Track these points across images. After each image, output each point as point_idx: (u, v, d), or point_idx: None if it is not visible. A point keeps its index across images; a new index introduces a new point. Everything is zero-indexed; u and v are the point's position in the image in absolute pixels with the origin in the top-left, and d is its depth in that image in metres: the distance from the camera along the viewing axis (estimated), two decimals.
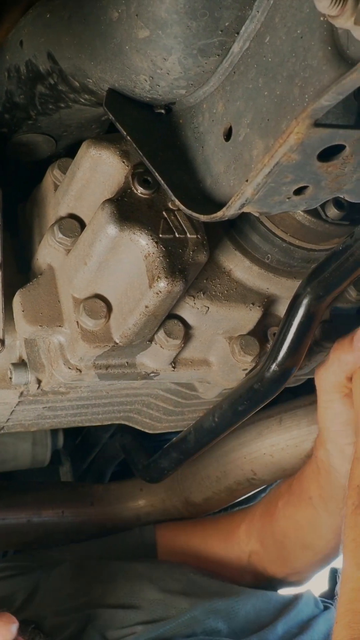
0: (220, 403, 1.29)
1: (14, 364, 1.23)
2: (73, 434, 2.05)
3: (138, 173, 1.05)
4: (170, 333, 1.15)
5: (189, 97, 0.99)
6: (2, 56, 1.18)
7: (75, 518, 1.86)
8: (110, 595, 1.54)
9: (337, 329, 1.28)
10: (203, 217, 0.96)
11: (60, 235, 1.13)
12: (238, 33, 0.89)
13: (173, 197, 0.97)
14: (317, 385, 1.32)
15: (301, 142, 0.80)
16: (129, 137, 0.99)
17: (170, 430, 1.52)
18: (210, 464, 1.76)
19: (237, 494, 1.80)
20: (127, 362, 1.18)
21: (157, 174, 0.98)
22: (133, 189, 1.05)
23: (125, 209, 1.04)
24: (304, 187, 0.88)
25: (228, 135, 0.94)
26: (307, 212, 1.08)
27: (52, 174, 1.20)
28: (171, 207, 1.05)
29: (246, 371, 1.22)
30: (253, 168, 0.87)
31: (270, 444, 1.68)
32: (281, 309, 1.21)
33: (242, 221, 1.13)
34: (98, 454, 2.07)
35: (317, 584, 1.79)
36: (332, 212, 1.07)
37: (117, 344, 1.12)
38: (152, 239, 1.03)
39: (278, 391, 1.19)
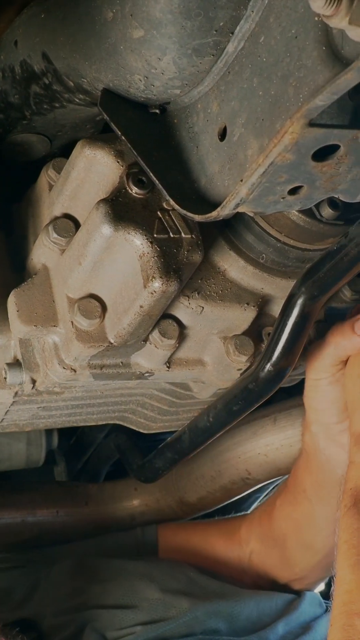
0: (214, 403, 1.29)
1: (8, 364, 1.22)
2: (68, 434, 2.05)
3: (133, 173, 1.05)
4: (164, 333, 1.15)
5: (184, 97, 0.99)
6: None
7: (70, 517, 1.86)
8: (109, 594, 1.54)
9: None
10: (197, 217, 0.96)
11: (55, 235, 1.13)
12: (233, 33, 0.89)
13: (168, 197, 0.97)
14: (307, 364, 1.32)
15: (296, 142, 0.80)
16: (123, 137, 0.99)
17: (164, 430, 1.52)
18: (205, 463, 1.76)
19: (232, 494, 1.80)
20: (121, 362, 1.18)
21: (151, 174, 0.98)
22: (128, 188, 1.05)
23: (120, 208, 1.04)
24: (299, 187, 0.88)
25: (223, 135, 0.94)
26: (301, 212, 1.08)
27: (47, 174, 1.20)
28: (166, 207, 1.05)
29: (241, 371, 1.22)
30: (248, 168, 0.87)
31: (264, 444, 1.68)
32: (276, 309, 1.21)
33: (237, 221, 1.13)
34: (93, 454, 2.06)
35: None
36: (327, 212, 1.08)
37: (111, 343, 1.12)
38: (147, 239, 1.03)
39: (273, 391, 1.19)
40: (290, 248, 1.13)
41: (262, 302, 1.19)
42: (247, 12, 0.86)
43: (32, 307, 1.14)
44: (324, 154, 0.83)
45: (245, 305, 1.17)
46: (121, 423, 1.51)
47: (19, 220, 1.27)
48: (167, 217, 1.05)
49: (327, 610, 1.64)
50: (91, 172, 1.08)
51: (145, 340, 1.15)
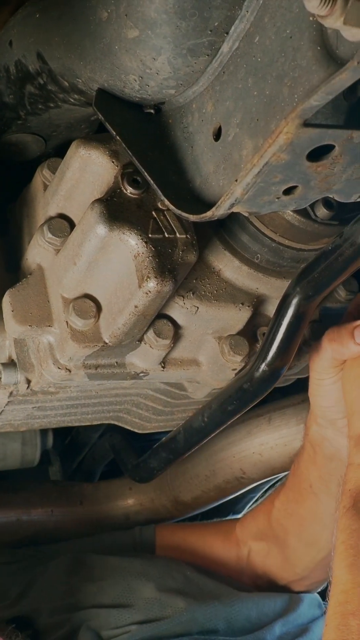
0: (209, 403, 1.29)
1: (3, 364, 1.22)
2: (62, 433, 2.04)
3: (127, 173, 1.05)
4: (159, 333, 1.15)
5: (179, 97, 0.99)
6: None
7: (64, 517, 1.86)
8: (105, 593, 1.53)
9: (327, 329, 1.28)
10: (192, 217, 0.96)
11: (50, 235, 1.13)
12: (227, 33, 0.89)
13: (162, 197, 0.97)
14: (310, 365, 1.32)
15: (290, 142, 0.80)
16: (118, 137, 0.99)
17: (159, 430, 1.52)
18: (200, 463, 1.76)
19: (226, 493, 1.80)
20: (116, 362, 1.18)
21: (146, 174, 0.98)
22: (122, 188, 1.05)
23: (115, 208, 1.04)
24: (294, 187, 0.89)
25: (217, 135, 0.94)
26: (296, 212, 1.08)
27: (42, 174, 1.20)
28: (161, 207, 1.05)
29: (235, 371, 1.22)
30: (242, 168, 0.87)
31: (259, 443, 1.68)
32: (271, 309, 1.21)
33: (232, 221, 1.13)
34: (87, 453, 2.06)
35: None
36: (322, 212, 1.08)
37: (106, 343, 1.12)
38: (142, 239, 1.03)
39: (267, 391, 1.19)
40: (285, 248, 1.13)
41: (257, 302, 1.19)
42: (241, 12, 0.86)
43: (26, 307, 1.14)
44: (318, 154, 0.83)
45: (240, 305, 1.17)
46: (116, 423, 1.51)
47: (14, 220, 1.27)
48: (161, 217, 1.05)
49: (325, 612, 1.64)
50: (86, 172, 1.08)
51: (140, 340, 1.15)
